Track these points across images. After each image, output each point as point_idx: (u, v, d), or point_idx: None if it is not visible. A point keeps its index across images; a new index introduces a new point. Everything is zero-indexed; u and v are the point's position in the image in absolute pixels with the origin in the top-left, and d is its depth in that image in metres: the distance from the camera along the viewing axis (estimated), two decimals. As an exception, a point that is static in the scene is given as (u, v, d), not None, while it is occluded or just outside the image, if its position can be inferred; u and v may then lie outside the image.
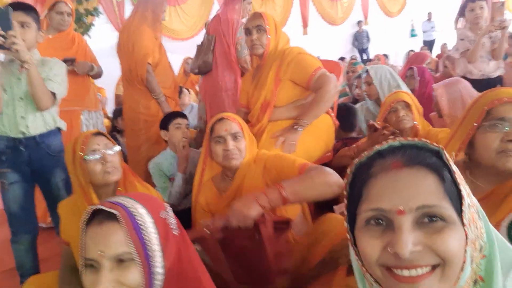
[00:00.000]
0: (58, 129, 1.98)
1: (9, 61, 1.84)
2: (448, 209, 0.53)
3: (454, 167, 0.56)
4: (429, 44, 9.48)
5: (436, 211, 0.53)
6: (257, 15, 2.07)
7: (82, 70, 2.63)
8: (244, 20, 2.77)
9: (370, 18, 9.83)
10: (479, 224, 0.56)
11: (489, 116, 1.11)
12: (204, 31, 3.52)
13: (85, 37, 4.72)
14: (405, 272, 0.53)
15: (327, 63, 2.55)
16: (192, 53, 3.07)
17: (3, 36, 1.63)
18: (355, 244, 0.61)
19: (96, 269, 0.78)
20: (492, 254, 0.55)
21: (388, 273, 0.54)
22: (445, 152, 0.56)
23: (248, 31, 2.08)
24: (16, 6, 1.78)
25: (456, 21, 3.21)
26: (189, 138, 2.32)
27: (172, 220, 0.87)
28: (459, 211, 0.54)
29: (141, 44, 2.52)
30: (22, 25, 1.79)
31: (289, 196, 1.29)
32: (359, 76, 3.26)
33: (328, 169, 1.37)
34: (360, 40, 9.48)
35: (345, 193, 0.64)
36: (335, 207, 1.92)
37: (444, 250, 0.51)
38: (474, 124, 1.13)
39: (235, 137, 1.54)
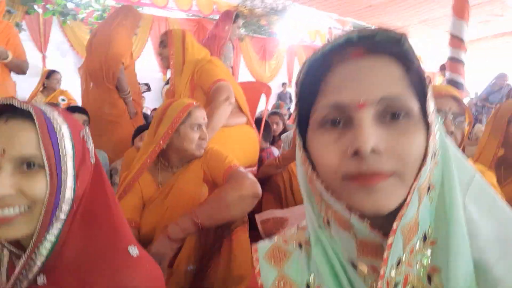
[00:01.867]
0: None
1: None
2: (412, 101, 0.48)
3: (417, 56, 0.50)
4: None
5: (400, 103, 0.47)
6: (164, 33, 2.30)
7: None
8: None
9: (293, 82, 10.63)
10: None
11: None
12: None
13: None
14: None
15: (257, 84, 2.67)
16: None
17: None
18: (304, 149, 0.54)
19: None
20: (445, 164, 0.51)
21: (347, 180, 0.48)
22: (407, 39, 0.49)
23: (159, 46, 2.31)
24: None
25: None
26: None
27: (91, 146, 0.76)
28: (423, 102, 0.49)
29: (118, 44, 2.64)
30: None
31: (203, 222, 1.27)
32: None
33: (245, 179, 1.36)
34: (283, 100, 10.09)
35: (295, 92, 0.56)
36: (256, 216, 1.89)
37: (406, 154, 0.46)
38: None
39: (204, 126, 1.54)
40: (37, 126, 0.65)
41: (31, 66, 2.83)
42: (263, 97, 2.59)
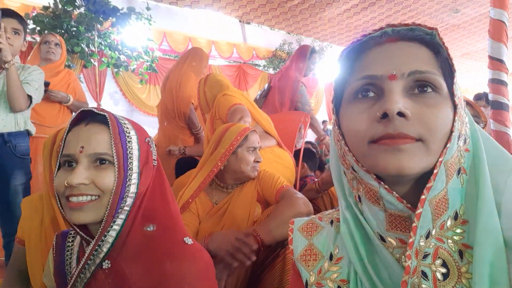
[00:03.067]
0: (27, 133, 1.96)
1: None
2: (440, 80, 0.51)
3: (446, 47, 0.54)
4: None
5: (429, 77, 0.50)
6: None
7: (54, 96, 2.65)
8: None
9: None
10: (464, 118, 0.55)
11: None
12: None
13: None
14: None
15: (295, 113, 2.76)
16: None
17: None
18: (338, 126, 0.58)
19: (71, 167, 0.76)
20: (476, 151, 0.54)
21: (374, 143, 0.51)
22: (438, 33, 0.53)
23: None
24: (12, 14, 1.91)
25: None
26: None
27: (154, 151, 0.87)
28: (451, 86, 0.52)
29: (187, 86, 2.87)
30: (16, 32, 1.90)
31: (264, 238, 1.31)
32: None
33: (298, 197, 1.43)
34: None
35: (334, 80, 0.61)
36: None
37: (433, 123, 0.49)
38: None
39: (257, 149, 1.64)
40: (110, 129, 0.77)
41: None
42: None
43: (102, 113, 0.79)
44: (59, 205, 0.78)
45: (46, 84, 2.51)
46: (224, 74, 8.02)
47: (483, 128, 1.25)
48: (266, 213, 1.46)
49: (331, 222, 0.67)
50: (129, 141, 0.79)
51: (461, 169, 0.53)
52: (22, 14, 4.48)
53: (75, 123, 0.81)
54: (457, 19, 8.54)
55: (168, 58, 7.75)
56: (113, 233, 0.75)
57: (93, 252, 0.75)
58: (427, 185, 0.49)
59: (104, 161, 0.76)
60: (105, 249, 0.75)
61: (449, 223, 0.51)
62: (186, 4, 7.37)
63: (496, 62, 2.43)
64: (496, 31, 2.43)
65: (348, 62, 0.57)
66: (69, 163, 0.77)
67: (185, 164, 2.35)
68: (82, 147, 0.76)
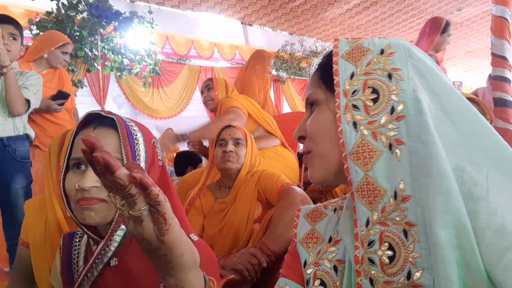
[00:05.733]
0: (27, 137, 1.97)
1: None
2: (318, 93, 0.63)
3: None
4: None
5: (310, 97, 0.64)
6: (207, 80, 2.55)
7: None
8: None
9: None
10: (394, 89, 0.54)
11: None
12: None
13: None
14: None
15: (300, 113, 2.78)
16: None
17: None
18: None
19: (81, 171, 0.77)
20: (419, 117, 0.50)
21: None
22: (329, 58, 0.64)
23: (201, 91, 2.58)
24: (8, 20, 1.94)
25: None
26: None
27: (159, 151, 0.88)
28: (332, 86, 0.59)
29: (249, 88, 3.04)
30: (13, 37, 1.92)
31: (273, 249, 1.31)
32: None
33: (295, 196, 1.42)
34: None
35: None
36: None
37: (308, 129, 0.63)
38: None
39: (236, 142, 1.63)
40: (119, 132, 0.78)
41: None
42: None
43: (109, 116, 0.80)
44: (67, 207, 0.78)
45: (67, 96, 2.44)
46: (227, 76, 8.05)
47: None
48: (270, 215, 1.46)
49: (335, 210, 0.70)
50: (136, 143, 0.80)
51: (392, 143, 0.51)
52: (26, 19, 4.54)
53: (82, 126, 0.81)
54: (460, 17, 8.51)
55: (171, 61, 7.77)
56: (120, 233, 0.76)
57: (101, 252, 0.76)
58: (347, 180, 0.54)
59: None
60: (113, 248, 0.76)
61: (391, 203, 0.50)
62: (188, 7, 7.39)
63: (499, 59, 2.43)
64: (499, 28, 2.42)
65: None
66: (78, 165, 0.78)
67: (184, 157, 2.41)
68: None
